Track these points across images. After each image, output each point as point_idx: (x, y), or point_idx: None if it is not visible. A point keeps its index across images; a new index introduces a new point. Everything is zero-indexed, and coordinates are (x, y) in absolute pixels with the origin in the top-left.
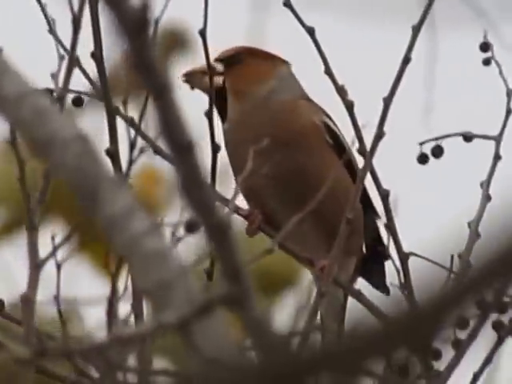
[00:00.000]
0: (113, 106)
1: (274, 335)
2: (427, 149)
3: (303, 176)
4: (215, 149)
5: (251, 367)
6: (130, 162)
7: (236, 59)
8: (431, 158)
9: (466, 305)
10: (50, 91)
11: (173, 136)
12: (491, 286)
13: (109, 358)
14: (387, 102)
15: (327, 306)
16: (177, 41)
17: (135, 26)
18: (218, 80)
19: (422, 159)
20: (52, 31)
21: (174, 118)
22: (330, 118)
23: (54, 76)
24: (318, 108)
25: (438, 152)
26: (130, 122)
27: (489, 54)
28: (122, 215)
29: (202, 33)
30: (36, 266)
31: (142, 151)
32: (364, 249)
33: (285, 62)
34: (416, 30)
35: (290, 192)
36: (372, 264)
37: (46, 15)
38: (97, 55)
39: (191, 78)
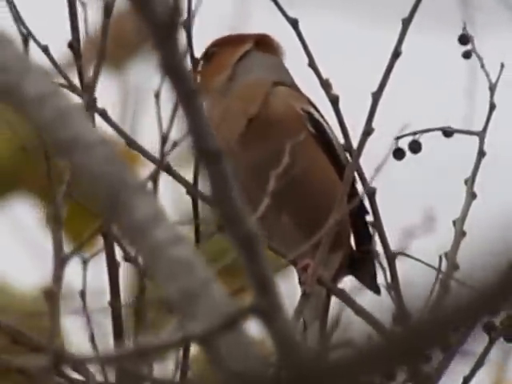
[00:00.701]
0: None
1: (302, 349)
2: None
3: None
4: None
5: (277, 381)
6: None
7: (208, 55)
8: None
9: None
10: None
11: (201, 143)
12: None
13: (131, 368)
14: (376, 97)
15: (309, 305)
16: None
17: (164, 30)
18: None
19: (399, 154)
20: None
21: (203, 125)
22: (316, 109)
23: None
24: (302, 96)
25: (415, 147)
26: (102, 114)
27: (469, 47)
28: (147, 222)
29: (187, 28)
30: (61, 260)
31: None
32: (354, 245)
33: (259, 46)
34: (406, 23)
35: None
36: (363, 263)
37: None
38: (74, 46)
39: None
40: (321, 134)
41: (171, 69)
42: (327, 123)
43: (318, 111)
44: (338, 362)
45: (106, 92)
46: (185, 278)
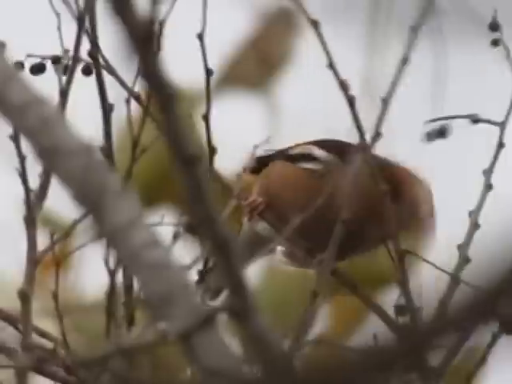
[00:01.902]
0: (108, 102)
1: (276, 348)
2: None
3: None
4: (212, 151)
5: (251, 379)
6: (133, 160)
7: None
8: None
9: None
10: (58, 58)
11: (178, 148)
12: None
13: (110, 367)
14: (386, 101)
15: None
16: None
17: (142, 37)
18: None
19: (430, 137)
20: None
21: (180, 129)
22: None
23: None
24: None
25: (444, 131)
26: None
27: (498, 35)
28: (126, 226)
29: (200, 36)
30: (34, 261)
31: (143, 151)
32: None
33: None
34: (415, 30)
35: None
36: None
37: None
38: (93, 54)
39: None
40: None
41: (150, 76)
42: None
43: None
44: (312, 360)
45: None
46: (161, 280)
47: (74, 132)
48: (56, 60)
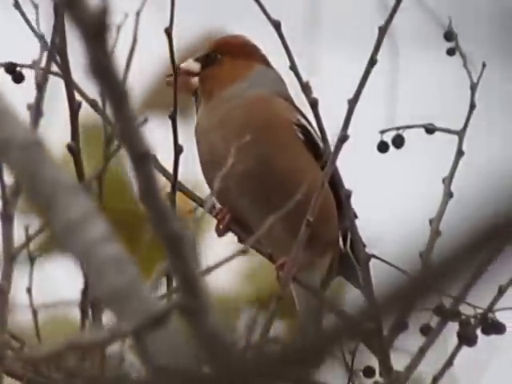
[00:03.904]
0: (75, 100)
1: (228, 346)
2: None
3: (271, 171)
4: (178, 150)
5: (203, 377)
6: (107, 159)
7: (211, 59)
8: (392, 149)
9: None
10: (14, 65)
11: (130, 145)
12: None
13: (65, 365)
14: (352, 104)
15: (305, 307)
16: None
17: (94, 30)
18: (195, 81)
19: (383, 147)
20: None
21: (132, 127)
22: (307, 120)
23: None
24: (294, 108)
25: (398, 142)
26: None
27: (453, 44)
28: (78, 222)
29: (168, 31)
30: (11, 257)
31: (118, 148)
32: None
33: (263, 60)
34: (382, 31)
35: (259, 190)
36: (350, 263)
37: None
38: (61, 49)
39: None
40: (310, 141)
41: (101, 70)
42: (317, 133)
43: (307, 120)
44: (264, 360)
45: None
46: (114, 276)
47: (26, 126)
48: (9, 68)
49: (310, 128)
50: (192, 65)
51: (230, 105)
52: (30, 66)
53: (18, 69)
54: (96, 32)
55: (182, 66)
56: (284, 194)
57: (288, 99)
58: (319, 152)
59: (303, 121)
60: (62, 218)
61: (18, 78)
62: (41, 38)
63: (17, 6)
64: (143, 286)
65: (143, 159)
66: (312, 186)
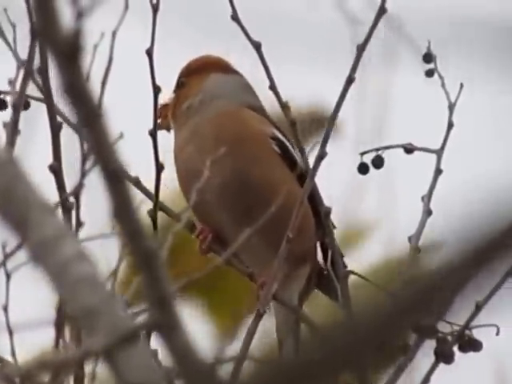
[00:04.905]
0: (56, 120)
1: (200, 363)
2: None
3: (247, 184)
4: (159, 168)
5: None
6: (83, 175)
7: (179, 86)
8: (372, 169)
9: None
10: None
11: (104, 163)
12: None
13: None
14: (330, 122)
15: (282, 322)
16: (316, 121)
17: (67, 51)
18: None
19: (363, 169)
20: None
21: (105, 146)
22: (281, 131)
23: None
24: (268, 121)
25: (378, 163)
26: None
27: (431, 66)
28: (51, 240)
29: (149, 52)
30: None
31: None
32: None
33: (219, 69)
34: (360, 49)
35: (236, 203)
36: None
37: None
38: (42, 70)
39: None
40: (285, 153)
41: (73, 90)
42: (291, 143)
43: (281, 132)
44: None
45: None
46: (87, 294)
47: (0, 145)
48: None
49: (285, 141)
50: (167, 98)
51: (197, 118)
52: (7, 93)
53: (1, 96)
54: (69, 54)
55: (161, 102)
56: (261, 207)
57: (258, 110)
58: (295, 164)
59: (278, 134)
60: (36, 236)
61: (1, 106)
62: (17, 57)
63: None
64: (115, 304)
65: (116, 176)
66: (289, 198)
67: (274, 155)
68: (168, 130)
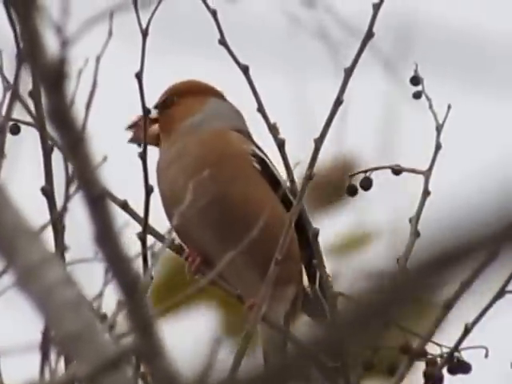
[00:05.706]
0: (48, 143)
1: None
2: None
3: (229, 204)
4: (148, 190)
5: None
6: (67, 199)
7: (168, 103)
8: (360, 191)
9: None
10: None
11: (86, 188)
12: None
13: None
14: (318, 143)
15: (269, 342)
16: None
17: (52, 78)
18: (155, 128)
19: (351, 191)
20: None
21: (87, 169)
22: (263, 152)
23: None
24: (250, 140)
25: (366, 184)
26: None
27: (419, 88)
28: (37, 265)
29: (139, 76)
30: None
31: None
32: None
33: (216, 94)
34: (348, 72)
35: (218, 224)
36: (316, 302)
37: None
38: (34, 94)
39: (134, 132)
40: (267, 172)
41: (58, 115)
42: (272, 163)
43: (263, 153)
44: None
45: None
46: (71, 319)
47: None
48: None
49: (265, 158)
50: (153, 113)
51: (187, 138)
52: None
53: None
54: (54, 80)
55: (133, 119)
56: (243, 228)
57: (243, 132)
58: (278, 184)
59: (258, 152)
60: (21, 261)
61: None
62: (5, 80)
63: None
64: (99, 330)
65: (98, 201)
66: (271, 218)
67: (255, 173)
68: (140, 144)
